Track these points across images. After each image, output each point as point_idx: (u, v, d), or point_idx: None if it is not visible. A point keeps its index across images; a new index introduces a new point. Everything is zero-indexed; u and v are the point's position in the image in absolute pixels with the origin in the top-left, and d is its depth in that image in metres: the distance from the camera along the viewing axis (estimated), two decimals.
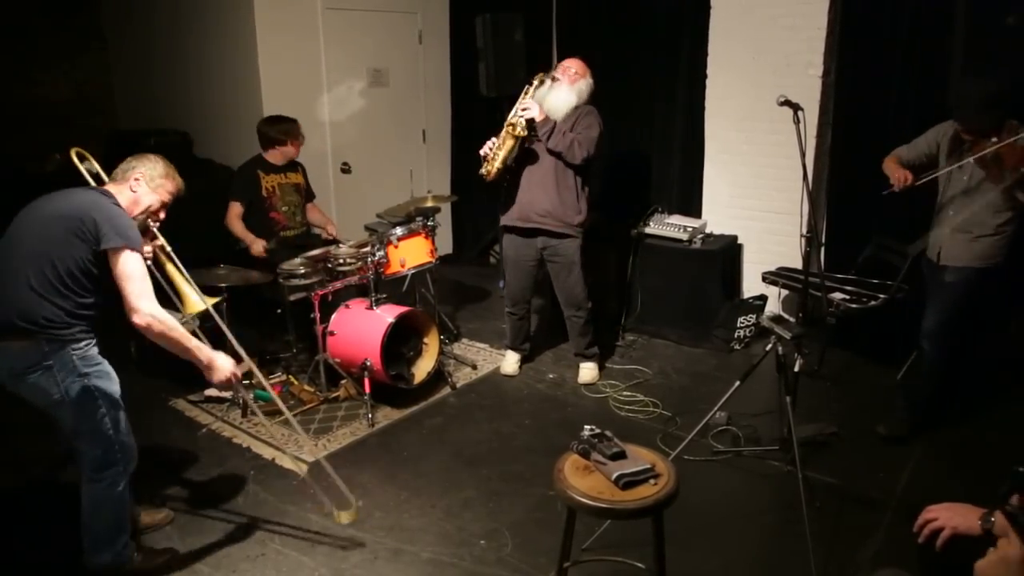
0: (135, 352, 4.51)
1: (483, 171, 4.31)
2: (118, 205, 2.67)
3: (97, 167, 2.96)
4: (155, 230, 2.87)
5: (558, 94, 4.24)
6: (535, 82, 4.30)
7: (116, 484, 2.75)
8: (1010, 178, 3.36)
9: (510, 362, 4.81)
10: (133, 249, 2.57)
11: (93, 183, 2.90)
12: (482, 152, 4.33)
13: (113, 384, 2.72)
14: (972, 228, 3.58)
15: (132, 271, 2.55)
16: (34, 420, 4.08)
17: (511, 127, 4.17)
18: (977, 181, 3.53)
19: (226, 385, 2.78)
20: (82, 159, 2.97)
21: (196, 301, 2.98)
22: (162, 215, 2.87)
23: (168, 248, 2.96)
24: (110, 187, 2.78)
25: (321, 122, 6.00)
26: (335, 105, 6.15)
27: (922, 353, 3.84)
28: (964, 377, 4.24)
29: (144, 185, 2.77)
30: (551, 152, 4.24)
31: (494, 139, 4.30)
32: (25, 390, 2.61)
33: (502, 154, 4.23)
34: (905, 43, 4.66)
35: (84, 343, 2.62)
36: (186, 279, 2.98)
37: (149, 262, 2.76)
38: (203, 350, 2.70)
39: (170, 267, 2.96)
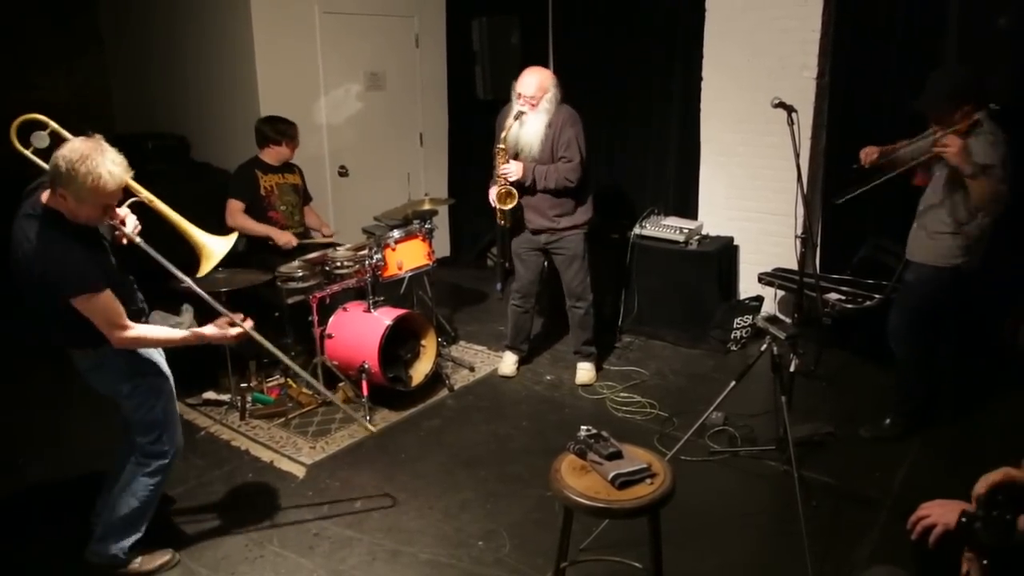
0: None
1: (500, 221, 4.46)
2: (54, 234, 2.47)
3: (54, 128, 2.74)
4: (122, 220, 2.66)
5: (528, 129, 4.23)
6: (507, 126, 4.23)
7: (158, 473, 2.89)
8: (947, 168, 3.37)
9: (508, 363, 4.83)
10: (83, 291, 2.48)
11: (45, 165, 2.58)
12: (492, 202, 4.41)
13: (163, 381, 2.88)
14: (932, 225, 3.57)
15: (92, 312, 2.53)
16: (34, 422, 4.10)
17: (504, 195, 4.29)
18: (941, 178, 3.53)
19: (239, 338, 2.87)
20: (35, 128, 2.67)
21: (214, 247, 2.88)
22: (114, 211, 2.60)
23: (159, 205, 2.79)
24: (46, 195, 2.53)
25: (318, 125, 6.02)
26: (332, 108, 6.17)
27: (893, 353, 3.87)
28: (959, 377, 4.25)
29: (72, 201, 2.44)
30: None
31: (492, 193, 4.36)
32: (92, 384, 2.81)
33: (499, 205, 4.35)
34: (899, 45, 4.70)
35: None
36: (190, 226, 2.88)
37: (138, 240, 2.66)
38: (191, 334, 2.78)
39: (175, 219, 2.84)
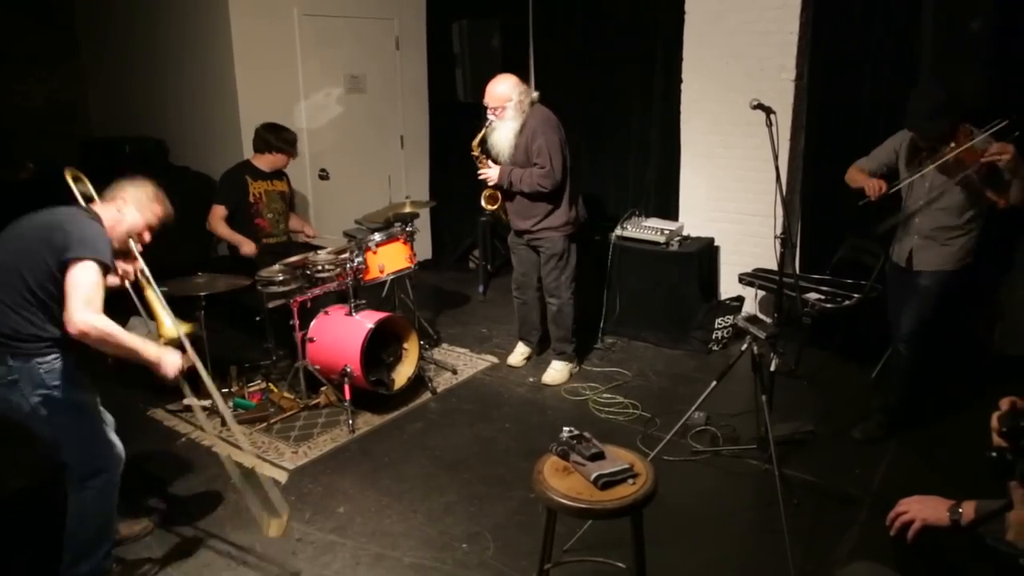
0: (112, 362, 4.47)
1: (503, 218, 4.73)
2: (99, 222, 2.65)
3: (91, 189, 2.96)
4: (136, 253, 2.86)
5: (499, 136, 4.38)
6: (478, 136, 4.44)
7: (105, 493, 2.74)
8: (976, 177, 3.42)
9: (516, 354, 4.95)
10: (97, 262, 2.51)
11: (83, 203, 2.88)
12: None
13: (84, 394, 2.70)
14: (943, 233, 3.63)
15: (82, 280, 2.47)
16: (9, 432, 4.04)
17: (487, 196, 4.59)
18: (939, 186, 3.58)
19: (173, 381, 2.73)
20: (76, 180, 2.97)
21: (170, 328, 2.99)
22: (147, 237, 2.86)
23: (148, 273, 2.95)
24: (96, 206, 2.78)
25: (299, 129, 5.97)
26: (312, 112, 6.15)
27: (899, 356, 3.89)
28: (936, 376, 4.30)
29: (130, 205, 2.78)
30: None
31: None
32: (3, 409, 2.60)
33: (490, 207, 4.64)
34: (875, 46, 4.75)
35: (51, 357, 2.59)
36: (162, 305, 2.99)
37: (128, 284, 2.80)
38: (148, 347, 2.64)
39: (148, 292, 2.97)
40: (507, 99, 4.27)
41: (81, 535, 2.73)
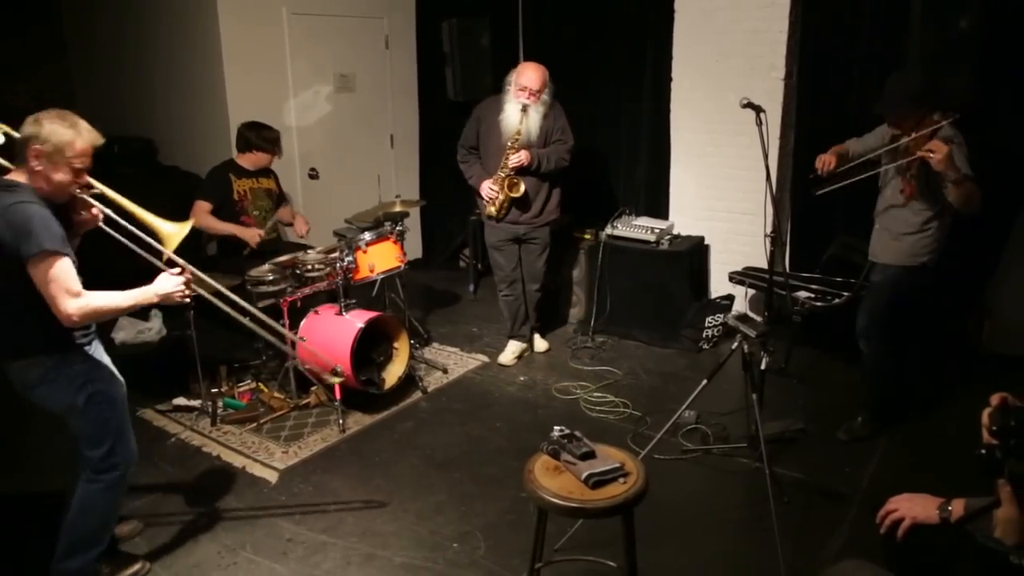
0: None
1: (491, 212, 4.68)
2: (23, 198, 2.45)
3: (5, 130, 2.76)
4: (86, 197, 2.64)
5: (532, 120, 4.50)
6: (517, 119, 4.44)
7: (112, 489, 2.76)
8: (912, 169, 3.41)
9: (508, 353, 4.98)
10: (48, 253, 2.40)
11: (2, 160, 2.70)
12: (486, 197, 4.65)
13: (117, 388, 2.75)
14: (896, 226, 3.63)
15: (49, 276, 2.42)
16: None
17: (512, 183, 4.54)
18: (893, 176, 3.58)
19: (187, 298, 2.72)
20: None
21: (172, 230, 2.79)
22: (85, 178, 2.60)
23: (113, 194, 2.73)
24: (15, 174, 2.55)
25: (288, 128, 5.96)
26: (302, 111, 6.13)
27: (861, 353, 3.92)
28: (924, 373, 4.33)
29: (44, 162, 2.48)
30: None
31: (491, 185, 4.57)
32: (37, 401, 2.66)
33: (502, 198, 4.60)
34: (864, 46, 4.77)
35: (84, 346, 2.64)
36: (151, 214, 2.79)
37: (102, 222, 2.67)
38: (141, 293, 2.61)
39: (130, 208, 2.77)
40: (547, 84, 4.49)
41: (80, 528, 2.74)
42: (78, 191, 2.59)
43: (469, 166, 4.75)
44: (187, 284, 2.70)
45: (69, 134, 2.50)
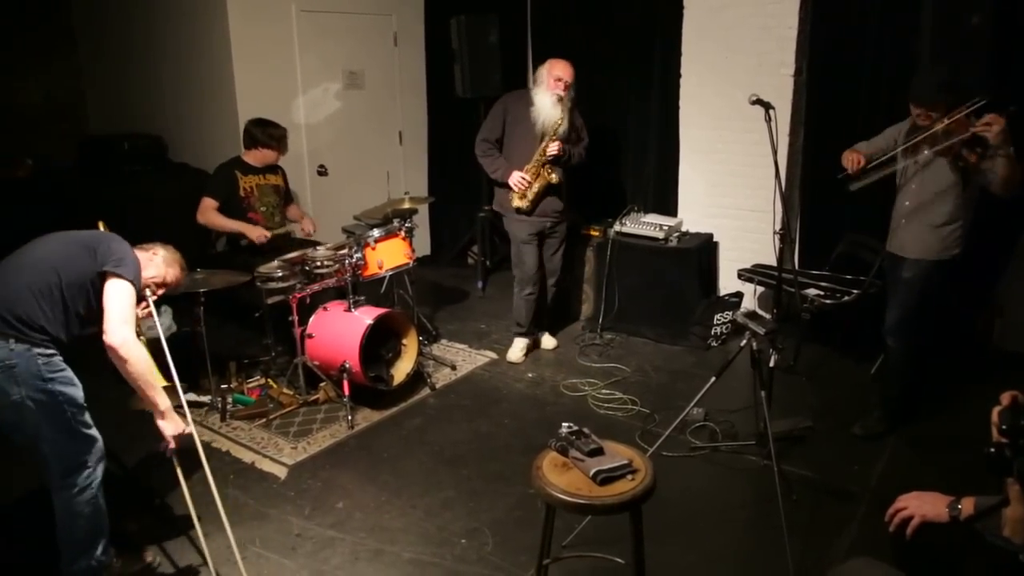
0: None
1: (520, 205, 4.65)
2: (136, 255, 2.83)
3: None
4: (149, 301, 2.99)
5: (567, 114, 4.57)
6: (559, 111, 4.51)
7: (88, 488, 2.71)
8: (963, 148, 3.39)
9: (517, 350, 4.99)
10: (132, 283, 2.69)
11: None
12: (516, 188, 4.61)
13: (77, 389, 2.70)
14: (927, 219, 3.62)
15: (121, 296, 2.66)
16: None
17: (547, 171, 4.59)
18: (932, 171, 3.58)
19: (166, 445, 2.86)
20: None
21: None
22: (159, 291, 3.03)
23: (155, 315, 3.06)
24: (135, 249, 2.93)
25: (297, 125, 5.98)
26: (311, 108, 6.14)
27: (889, 350, 3.90)
28: (935, 371, 4.31)
29: (159, 259, 2.99)
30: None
31: (523, 176, 4.57)
32: None
33: (536, 187, 4.60)
34: (874, 42, 4.75)
35: (50, 351, 2.62)
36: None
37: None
38: (163, 398, 2.79)
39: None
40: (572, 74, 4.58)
41: (73, 534, 2.72)
42: (149, 292, 2.97)
43: (493, 159, 4.70)
44: (176, 439, 2.86)
45: (182, 263, 3.12)
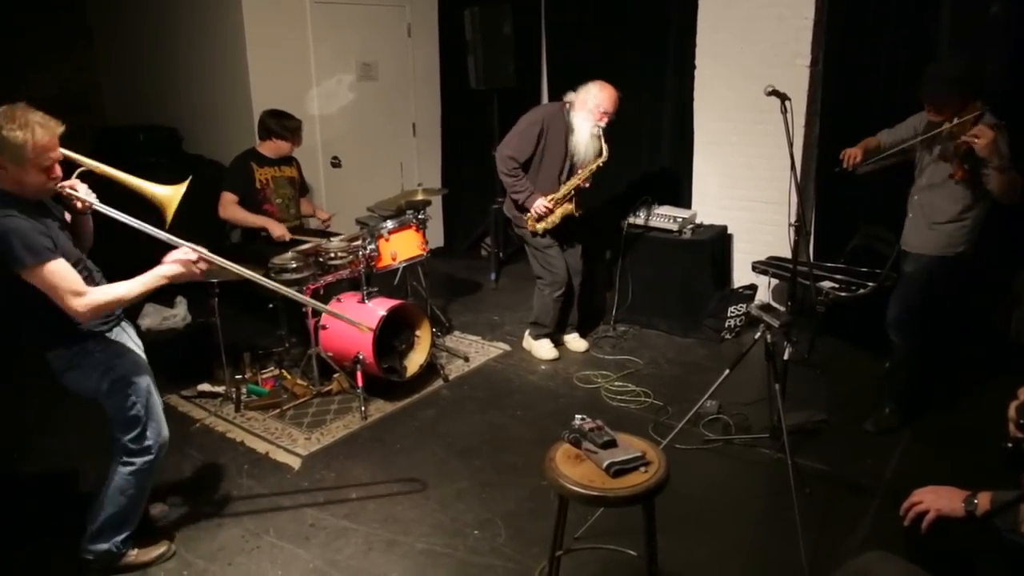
0: None
1: (538, 228, 4.60)
2: (3, 210, 2.38)
3: None
4: (71, 185, 2.58)
5: (605, 147, 4.52)
6: (600, 143, 4.49)
7: (144, 471, 2.83)
8: (956, 155, 3.36)
9: (547, 348, 4.92)
10: (34, 264, 2.38)
11: None
12: (538, 213, 4.55)
13: (141, 372, 2.80)
14: (931, 215, 3.58)
15: (46, 283, 2.42)
16: (26, 418, 4.09)
17: (571, 203, 4.59)
18: (939, 168, 3.54)
19: (195, 266, 2.64)
20: None
21: (165, 192, 2.75)
22: (58, 170, 2.50)
23: (102, 168, 2.68)
24: None
25: (311, 116, 5.99)
26: (324, 99, 6.15)
27: (892, 344, 3.87)
28: (949, 365, 4.28)
29: (11, 168, 2.39)
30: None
31: (547, 204, 4.53)
32: (69, 386, 2.73)
33: (557, 215, 4.58)
34: (892, 32, 4.69)
35: (105, 333, 2.70)
36: (136, 178, 2.74)
37: (96, 203, 2.60)
38: (149, 278, 2.57)
39: (121, 178, 2.71)
40: None
41: (111, 509, 2.82)
42: (56, 185, 2.51)
43: (518, 180, 4.53)
44: (197, 261, 2.64)
45: (20, 135, 2.35)
